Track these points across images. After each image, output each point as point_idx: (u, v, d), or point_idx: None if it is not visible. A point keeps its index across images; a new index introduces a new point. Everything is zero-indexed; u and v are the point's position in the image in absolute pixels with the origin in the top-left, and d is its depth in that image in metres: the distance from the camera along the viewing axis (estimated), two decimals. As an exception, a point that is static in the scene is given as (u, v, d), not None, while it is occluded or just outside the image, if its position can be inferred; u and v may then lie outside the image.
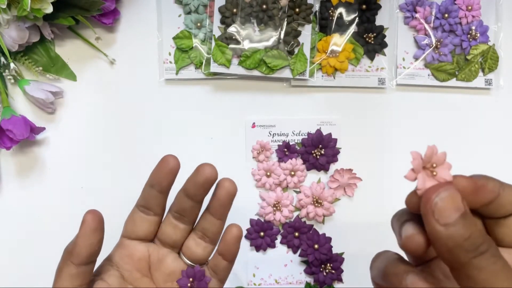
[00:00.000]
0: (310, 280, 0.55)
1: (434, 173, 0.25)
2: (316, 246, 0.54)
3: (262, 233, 0.55)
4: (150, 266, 0.35)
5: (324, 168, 0.56)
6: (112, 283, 0.33)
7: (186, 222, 0.35)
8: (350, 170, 0.56)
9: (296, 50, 0.55)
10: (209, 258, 0.36)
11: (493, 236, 0.25)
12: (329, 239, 0.55)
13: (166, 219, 0.35)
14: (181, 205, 0.34)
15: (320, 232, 0.55)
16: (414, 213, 0.25)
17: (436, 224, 0.22)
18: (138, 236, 0.35)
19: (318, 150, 0.55)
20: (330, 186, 0.56)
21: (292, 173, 0.55)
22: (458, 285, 0.23)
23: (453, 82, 0.57)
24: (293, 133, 0.56)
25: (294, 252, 0.55)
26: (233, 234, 0.35)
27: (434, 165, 0.25)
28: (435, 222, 0.22)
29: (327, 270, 0.54)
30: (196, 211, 0.35)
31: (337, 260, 0.55)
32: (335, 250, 0.55)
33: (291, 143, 0.56)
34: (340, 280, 0.55)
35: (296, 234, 0.55)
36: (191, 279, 0.34)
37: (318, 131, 0.56)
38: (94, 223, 0.31)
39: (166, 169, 0.33)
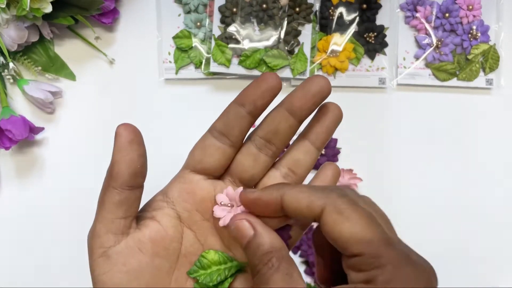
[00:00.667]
0: (310, 281, 0.55)
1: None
2: None
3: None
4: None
5: None
6: (166, 224, 0.28)
7: (272, 152, 0.28)
8: (351, 170, 0.55)
9: (296, 50, 0.55)
10: None
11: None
12: None
13: (245, 149, 0.29)
14: (275, 126, 0.28)
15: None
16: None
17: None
18: (206, 169, 0.28)
19: None
20: None
21: None
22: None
23: (454, 82, 0.57)
24: (293, 133, 0.56)
25: (295, 253, 0.55)
26: (334, 169, 0.30)
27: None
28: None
29: None
30: (290, 137, 0.28)
31: None
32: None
33: (291, 143, 0.56)
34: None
35: None
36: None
37: None
38: (130, 134, 0.26)
39: (267, 85, 0.26)
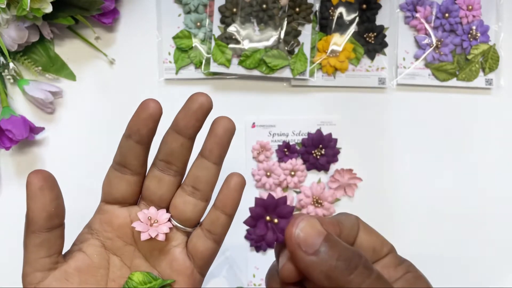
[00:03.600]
0: None
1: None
2: None
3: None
4: (133, 233, 0.31)
5: (324, 168, 0.56)
6: (91, 253, 0.30)
7: (174, 171, 0.30)
8: (351, 170, 0.55)
9: (296, 50, 0.55)
10: (201, 220, 0.31)
11: None
12: None
13: (150, 173, 0.30)
14: (168, 147, 0.29)
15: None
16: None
17: (306, 256, 0.22)
18: (116, 199, 0.30)
19: (318, 150, 0.55)
20: (331, 186, 0.56)
21: (292, 173, 0.55)
22: None
23: (453, 82, 0.57)
24: (293, 133, 0.56)
25: None
26: (235, 180, 0.30)
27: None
28: (304, 254, 0.22)
29: None
30: (186, 154, 0.30)
31: None
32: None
33: (291, 143, 0.56)
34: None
35: None
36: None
37: (319, 131, 0.55)
38: (40, 181, 0.27)
39: (146, 113, 0.28)
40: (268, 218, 0.28)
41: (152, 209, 0.30)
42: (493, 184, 0.57)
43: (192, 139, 0.29)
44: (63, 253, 0.30)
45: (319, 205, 0.54)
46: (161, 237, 0.29)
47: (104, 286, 0.29)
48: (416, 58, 0.57)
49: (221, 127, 0.29)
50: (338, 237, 0.24)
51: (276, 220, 0.28)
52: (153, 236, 0.29)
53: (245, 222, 0.27)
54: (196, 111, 0.28)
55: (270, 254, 0.56)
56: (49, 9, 0.48)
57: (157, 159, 0.30)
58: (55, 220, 0.28)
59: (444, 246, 0.56)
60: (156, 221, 0.30)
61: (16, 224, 0.54)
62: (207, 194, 0.30)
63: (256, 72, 0.55)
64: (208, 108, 0.29)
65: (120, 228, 0.30)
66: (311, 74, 0.56)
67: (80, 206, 0.54)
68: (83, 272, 0.29)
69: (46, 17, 0.50)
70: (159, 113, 0.28)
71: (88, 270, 0.29)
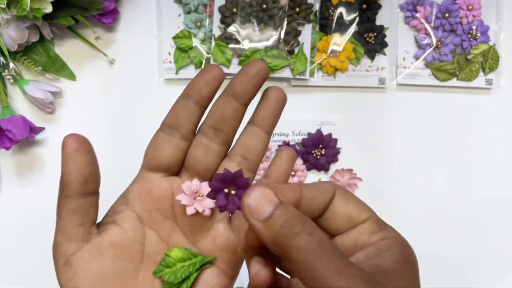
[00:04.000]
0: None
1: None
2: None
3: None
4: (173, 206, 0.29)
5: (324, 168, 0.56)
6: (126, 226, 0.28)
7: (222, 140, 0.28)
8: (351, 170, 0.55)
9: (296, 50, 0.55)
10: None
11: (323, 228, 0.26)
12: None
13: (196, 141, 0.29)
14: (220, 111, 0.28)
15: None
16: (255, 246, 0.25)
17: (256, 222, 0.23)
18: (160, 166, 0.28)
19: (318, 150, 0.55)
20: None
21: (292, 173, 0.55)
22: (294, 275, 0.24)
23: (453, 82, 0.57)
24: (293, 133, 0.56)
25: None
26: (288, 153, 0.29)
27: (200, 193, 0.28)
28: (256, 221, 0.23)
29: None
30: (237, 121, 0.28)
31: None
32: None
33: (291, 143, 0.56)
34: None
35: None
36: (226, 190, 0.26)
37: (318, 131, 0.55)
38: (75, 143, 0.27)
39: (209, 75, 0.27)
40: (226, 190, 0.27)
41: (196, 181, 0.28)
42: (493, 184, 0.57)
43: (246, 105, 0.28)
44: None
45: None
46: (207, 212, 0.28)
47: (139, 262, 0.28)
48: (416, 58, 0.57)
49: (274, 95, 0.29)
50: (297, 203, 0.24)
51: (233, 192, 0.27)
52: (200, 211, 0.27)
53: (208, 196, 0.26)
54: (255, 76, 0.27)
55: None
56: (49, 9, 0.48)
57: (206, 126, 0.29)
58: (90, 185, 0.27)
59: (444, 246, 0.56)
60: (201, 194, 0.28)
61: (16, 223, 0.54)
62: (256, 165, 0.29)
63: (256, 72, 0.55)
64: (266, 74, 0.28)
65: (160, 200, 0.29)
66: (311, 74, 0.56)
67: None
68: (118, 246, 0.27)
69: (46, 17, 0.50)
70: (222, 77, 0.27)
71: (122, 244, 0.28)
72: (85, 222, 0.27)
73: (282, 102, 0.29)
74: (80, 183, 0.26)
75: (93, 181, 0.27)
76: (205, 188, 0.28)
